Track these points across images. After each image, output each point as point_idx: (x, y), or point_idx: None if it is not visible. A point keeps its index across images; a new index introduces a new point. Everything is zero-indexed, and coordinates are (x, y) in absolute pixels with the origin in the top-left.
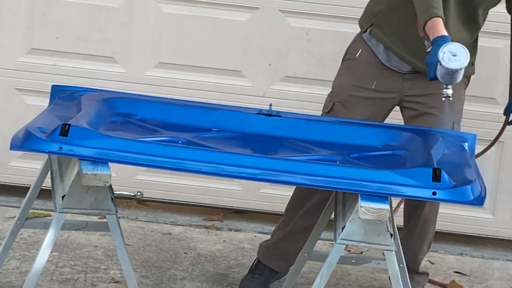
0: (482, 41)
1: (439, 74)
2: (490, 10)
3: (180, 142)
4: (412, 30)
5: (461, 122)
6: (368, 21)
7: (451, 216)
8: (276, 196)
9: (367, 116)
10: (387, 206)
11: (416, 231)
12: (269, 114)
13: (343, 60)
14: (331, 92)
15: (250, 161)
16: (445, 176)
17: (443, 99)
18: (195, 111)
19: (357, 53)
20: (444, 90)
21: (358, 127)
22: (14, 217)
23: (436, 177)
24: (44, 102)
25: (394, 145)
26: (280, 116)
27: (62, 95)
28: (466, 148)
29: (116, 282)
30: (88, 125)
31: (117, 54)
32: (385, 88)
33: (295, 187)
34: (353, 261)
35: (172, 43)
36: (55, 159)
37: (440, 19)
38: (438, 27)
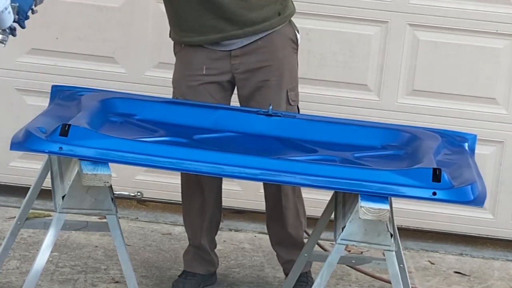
0: (482, 41)
1: None
2: (490, 10)
3: (180, 142)
4: (186, 14)
5: (298, 88)
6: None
7: (451, 216)
8: None
9: (211, 103)
10: (387, 206)
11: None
12: (269, 114)
13: (174, 54)
14: (173, 90)
15: (250, 161)
16: (445, 176)
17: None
18: (195, 111)
19: (182, 43)
20: None
21: (358, 127)
22: (14, 217)
23: (436, 177)
24: (44, 102)
25: (394, 145)
26: (280, 116)
27: (62, 95)
28: (466, 148)
29: (116, 282)
30: (88, 125)
31: (117, 54)
32: (216, 71)
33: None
34: (353, 261)
35: (172, 43)
36: (55, 159)
37: None
38: None
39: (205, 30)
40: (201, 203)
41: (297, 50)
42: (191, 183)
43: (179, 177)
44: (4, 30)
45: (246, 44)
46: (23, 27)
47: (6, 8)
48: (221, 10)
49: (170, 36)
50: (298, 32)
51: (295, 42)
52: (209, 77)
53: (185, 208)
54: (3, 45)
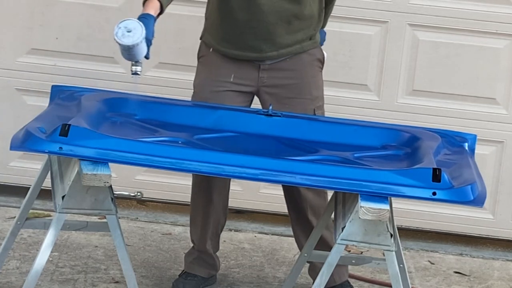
0: (482, 41)
1: (120, 51)
2: (490, 10)
3: (180, 142)
4: (231, 26)
5: (324, 106)
6: (204, 27)
7: (451, 216)
8: (276, 196)
9: None
10: (387, 206)
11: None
12: (269, 114)
13: (198, 59)
14: (193, 93)
15: (250, 161)
16: (445, 176)
17: (132, 76)
18: (195, 111)
19: (210, 48)
20: (133, 67)
21: (358, 127)
22: (14, 217)
23: (436, 177)
24: (44, 102)
25: (394, 145)
26: (280, 116)
27: (62, 95)
28: (466, 148)
29: (116, 282)
30: (88, 125)
31: (117, 54)
32: (243, 80)
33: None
34: (353, 261)
35: (172, 43)
36: (55, 159)
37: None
38: (146, 7)
39: (244, 47)
40: (209, 208)
41: (322, 69)
42: (202, 187)
43: (179, 177)
44: (137, 61)
45: (275, 62)
46: (147, 57)
47: (144, 38)
48: (265, 31)
49: (201, 38)
50: (324, 52)
51: (322, 62)
52: (236, 85)
53: (193, 213)
54: (139, 76)
